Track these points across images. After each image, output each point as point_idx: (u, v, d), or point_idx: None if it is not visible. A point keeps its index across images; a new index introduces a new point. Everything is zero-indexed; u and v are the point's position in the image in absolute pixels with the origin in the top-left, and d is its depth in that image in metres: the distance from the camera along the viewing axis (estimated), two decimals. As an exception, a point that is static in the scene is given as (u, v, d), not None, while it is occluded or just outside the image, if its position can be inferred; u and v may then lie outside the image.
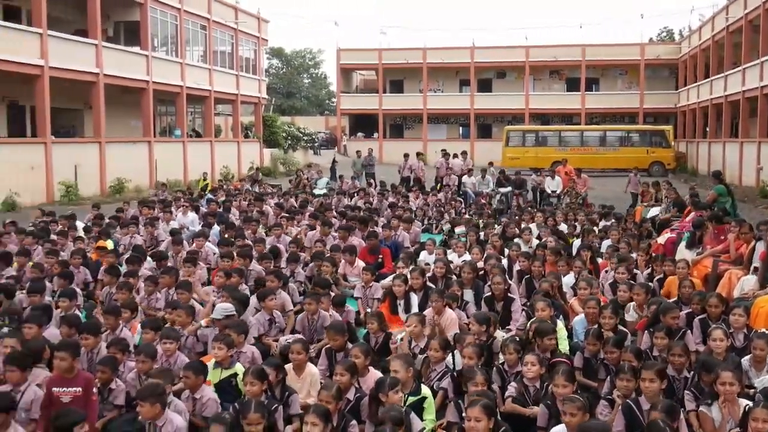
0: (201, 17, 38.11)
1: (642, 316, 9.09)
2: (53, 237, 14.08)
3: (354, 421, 6.09)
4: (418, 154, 31.03)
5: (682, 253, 12.17)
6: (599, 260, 12.40)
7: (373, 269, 11.38)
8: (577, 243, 14.10)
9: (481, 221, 17.60)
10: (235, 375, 7.13)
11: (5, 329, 8.09)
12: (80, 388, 6.50)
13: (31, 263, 12.02)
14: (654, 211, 18.32)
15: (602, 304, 8.79)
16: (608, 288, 10.72)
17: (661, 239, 14.23)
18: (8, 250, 12.49)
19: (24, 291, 9.95)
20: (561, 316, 9.11)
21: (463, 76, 58.13)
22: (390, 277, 10.86)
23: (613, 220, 16.89)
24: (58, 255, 12.20)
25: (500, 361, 7.44)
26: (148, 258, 12.50)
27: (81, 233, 14.92)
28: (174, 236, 13.77)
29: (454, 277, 10.87)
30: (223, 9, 40.55)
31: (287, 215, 16.86)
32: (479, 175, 25.64)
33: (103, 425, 6.60)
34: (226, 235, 14.34)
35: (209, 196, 22.78)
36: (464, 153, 29.77)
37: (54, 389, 6.53)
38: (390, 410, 5.76)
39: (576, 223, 16.64)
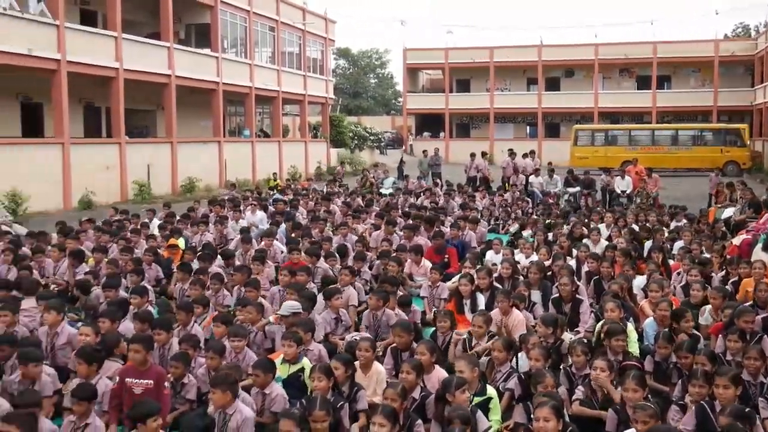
0: (269, 19, 38.63)
1: (717, 320, 8.85)
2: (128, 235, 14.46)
3: (419, 420, 6.08)
4: (483, 153, 30.85)
5: (759, 254, 11.77)
6: (671, 262, 12.13)
7: (440, 269, 11.36)
8: (648, 244, 13.81)
9: (548, 221, 17.40)
10: (302, 370, 7.21)
11: (80, 324, 8.36)
12: (152, 381, 6.66)
13: (106, 260, 12.40)
14: (728, 212, 17.81)
15: (674, 306, 8.59)
16: (680, 290, 10.46)
17: (736, 240, 13.82)
18: (82, 247, 12.86)
19: (100, 287, 10.25)
20: (631, 319, 8.94)
21: (530, 75, 57.53)
22: (456, 277, 10.82)
23: (685, 221, 16.48)
24: (132, 252, 12.55)
25: (568, 364, 7.35)
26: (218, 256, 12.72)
27: (155, 231, 15.32)
28: (243, 235, 13.99)
29: (521, 277, 10.78)
30: (291, 10, 41.03)
31: (353, 214, 16.98)
32: (547, 175, 25.36)
33: (175, 418, 6.76)
34: (293, 234, 14.52)
35: (277, 195, 23.07)
36: (532, 152, 29.47)
37: (127, 379, 6.72)
38: (457, 409, 5.74)
39: (647, 224, 16.31)
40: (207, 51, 33.61)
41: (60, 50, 23.95)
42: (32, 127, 27.01)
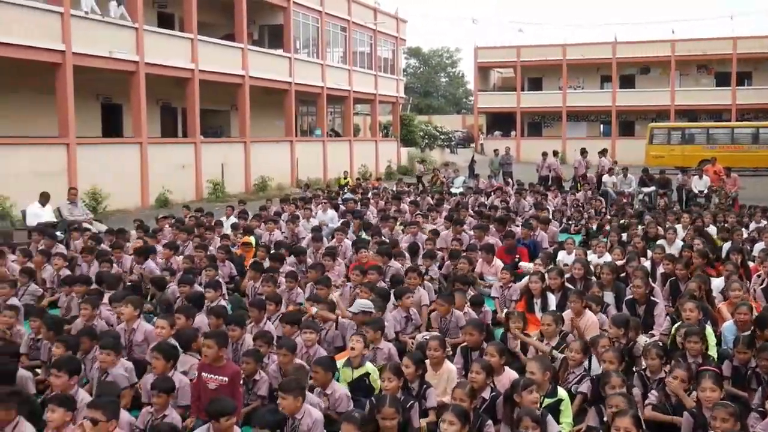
0: (341, 19, 38.91)
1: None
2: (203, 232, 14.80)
3: (490, 421, 6.05)
4: (555, 152, 30.47)
5: None
6: (750, 264, 11.75)
7: (511, 269, 11.26)
8: (726, 246, 13.41)
9: (622, 221, 17.08)
10: (368, 374, 7.24)
11: (155, 318, 8.56)
12: (227, 378, 6.77)
13: (180, 257, 12.72)
14: (811, 213, 17.15)
15: (754, 310, 8.32)
16: (760, 293, 10.14)
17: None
18: (153, 245, 13.21)
19: (176, 283, 10.51)
20: (709, 322, 8.69)
21: (604, 72, 56.62)
22: (526, 277, 10.71)
23: (765, 222, 15.95)
24: (206, 249, 12.82)
25: (641, 367, 7.20)
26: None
27: (230, 228, 15.63)
28: (314, 233, 14.14)
29: (593, 278, 10.61)
30: (363, 10, 41.24)
31: (422, 213, 16.98)
32: (620, 174, 24.88)
33: (246, 414, 6.87)
34: (362, 233, 14.61)
35: (348, 194, 23.24)
36: (604, 151, 28.94)
37: (203, 374, 6.86)
38: (526, 411, 5.69)
39: (726, 225, 15.84)
40: (280, 52, 34.06)
41: (138, 52, 24.63)
42: (112, 127, 27.82)
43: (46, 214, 15.96)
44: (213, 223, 15.87)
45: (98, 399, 5.93)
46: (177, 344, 7.32)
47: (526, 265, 12.58)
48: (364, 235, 14.87)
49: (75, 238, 14.23)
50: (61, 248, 13.38)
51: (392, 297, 9.56)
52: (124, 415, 6.14)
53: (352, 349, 7.35)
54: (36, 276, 11.50)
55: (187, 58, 27.25)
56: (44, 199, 16.14)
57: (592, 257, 12.55)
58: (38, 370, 7.84)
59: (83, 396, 6.42)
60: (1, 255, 12.09)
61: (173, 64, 26.45)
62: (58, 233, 14.62)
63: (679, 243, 13.32)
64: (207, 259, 11.94)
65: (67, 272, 11.51)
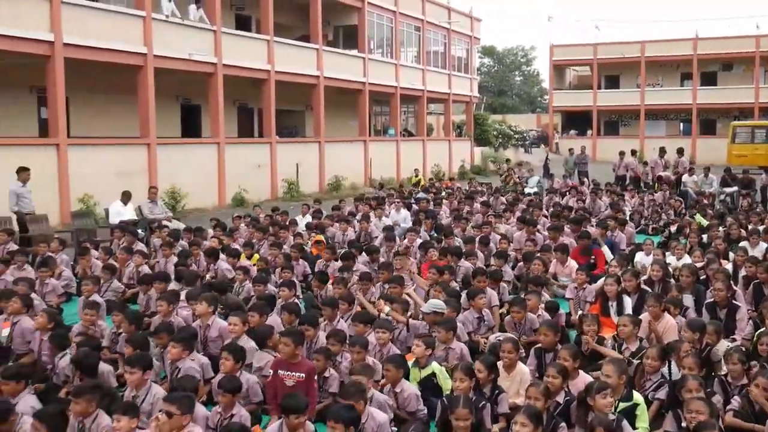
0: (415, 19, 38.94)
1: None
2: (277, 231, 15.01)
3: (563, 424, 5.97)
4: (633, 151, 29.86)
5: None
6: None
7: (586, 270, 11.08)
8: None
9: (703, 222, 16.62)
10: (434, 374, 7.22)
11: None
12: (303, 374, 6.87)
13: (256, 256, 12.93)
14: None
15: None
16: None
17: None
18: (224, 246, 13.47)
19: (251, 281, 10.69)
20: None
21: (684, 70, 55.19)
22: (602, 279, 10.52)
23: None
24: (280, 248, 12.99)
25: (722, 372, 6.99)
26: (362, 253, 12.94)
27: (303, 229, 15.81)
28: (387, 233, 14.18)
29: (672, 281, 10.35)
30: (437, 9, 41.17)
31: (494, 213, 16.87)
32: (701, 174, 24.21)
33: (320, 411, 6.93)
34: (434, 233, 14.57)
35: (421, 193, 23.24)
36: (681, 150, 28.18)
37: (279, 372, 6.95)
38: (601, 416, 5.60)
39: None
40: (354, 52, 34.27)
41: (216, 54, 25.15)
42: (191, 127, 28.49)
43: (128, 213, 16.40)
44: (288, 222, 16.08)
45: (173, 393, 6.09)
46: (244, 347, 7.38)
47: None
48: (435, 235, 14.88)
49: (155, 236, 14.63)
50: (141, 246, 13.77)
51: (465, 297, 9.52)
52: (200, 409, 6.28)
53: (414, 352, 7.35)
54: (120, 272, 11.86)
55: (264, 59, 27.70)
56: (126, 197, 16.60)
57: (670, 259, 12.27)
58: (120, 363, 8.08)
59: (156, 390, 6.61)
60: (84, 252, 12.50)
61: (250, 66, 26.94)
62: (138, 231, 15.04)
63: (762, 245, 12.89)
64: (282, 257, 12.11)
65: (147, 270, 11.82)
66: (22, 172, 15.72)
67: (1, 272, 11.33)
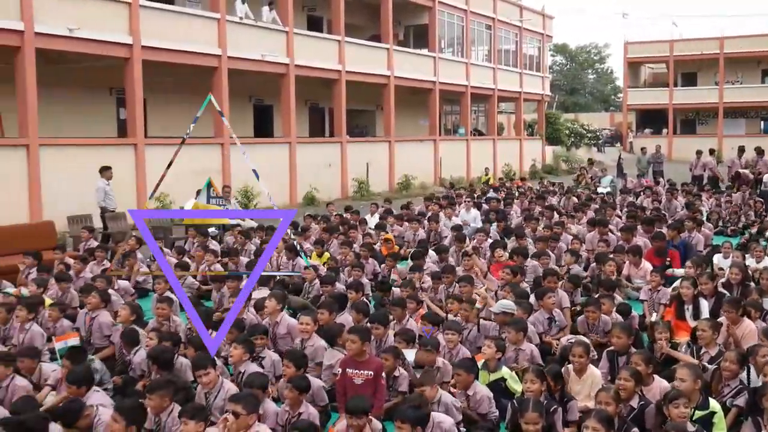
0: (486, 17, 38.68)
1: None
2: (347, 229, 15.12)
3: (636, 429, 5.84)
4: (711, 151, 29.01)
5: None
6: None
7: (661, 272, 10.83)
8: None
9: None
10: (504, 379, 7.16)
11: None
12: (371, 372, 6.88)
13: (327, 254, 13.05)
14: None
15: None
16: None
17: None
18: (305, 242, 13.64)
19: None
20: None
21: (765, 66, 53.43)
22: (677, 281, 10.25)
23: None
24: (350, 246, 13.07)
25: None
26: (431, 252, 12.92)
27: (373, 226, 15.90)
28: (456, 233, 14.11)
29: (752, 284, 10.02)
30: (508, 8, 40.83)
31: (565, 213, 16.63)
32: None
33: (388, 410, 6.94)
34: (503, 233, 14.49)
35: (491, 193, 23.07)
36: (760, 150, 27.18)
37: (348, 370, 6.98)
38: (677, 426, 5.46)
39: None
40: (424, 51, 34.26)
41: (289, 55, 25.48)
42: (263, 127, 28.91)
43: (202, 211, 16.71)
44: (358, 221, 16.18)
45: (239, 393, 6.19)
46: (315, 345, 7.41)
47: (677, 272, 11.98)
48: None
49: (228, 235, 14.89)
50: (214, 244, 14.03)
51: (534, 298, 9.41)
52: (271, 406, 6.37)
53: (484, 353, 7.30)
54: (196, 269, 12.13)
55: (335, 59, 27.93)
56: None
57: (750, 261, 11.89)
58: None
59: (229, 386, 6.70)
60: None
61: (321, 66, 27.20)
62: (212, 229, 15.32)
63: None
64: (353, 256, 12.16)
65: (219, 267, 12.04)
66: (106, 171, 16.29)
67: (80, 270, 11.69)
